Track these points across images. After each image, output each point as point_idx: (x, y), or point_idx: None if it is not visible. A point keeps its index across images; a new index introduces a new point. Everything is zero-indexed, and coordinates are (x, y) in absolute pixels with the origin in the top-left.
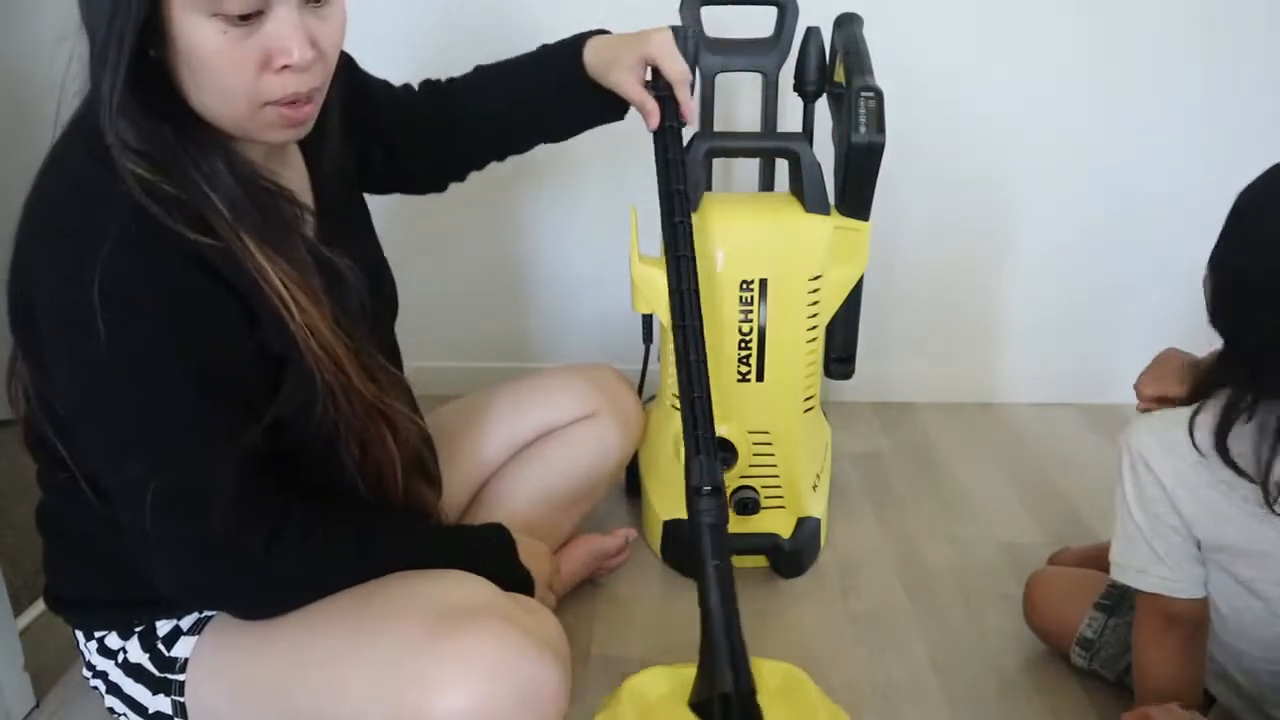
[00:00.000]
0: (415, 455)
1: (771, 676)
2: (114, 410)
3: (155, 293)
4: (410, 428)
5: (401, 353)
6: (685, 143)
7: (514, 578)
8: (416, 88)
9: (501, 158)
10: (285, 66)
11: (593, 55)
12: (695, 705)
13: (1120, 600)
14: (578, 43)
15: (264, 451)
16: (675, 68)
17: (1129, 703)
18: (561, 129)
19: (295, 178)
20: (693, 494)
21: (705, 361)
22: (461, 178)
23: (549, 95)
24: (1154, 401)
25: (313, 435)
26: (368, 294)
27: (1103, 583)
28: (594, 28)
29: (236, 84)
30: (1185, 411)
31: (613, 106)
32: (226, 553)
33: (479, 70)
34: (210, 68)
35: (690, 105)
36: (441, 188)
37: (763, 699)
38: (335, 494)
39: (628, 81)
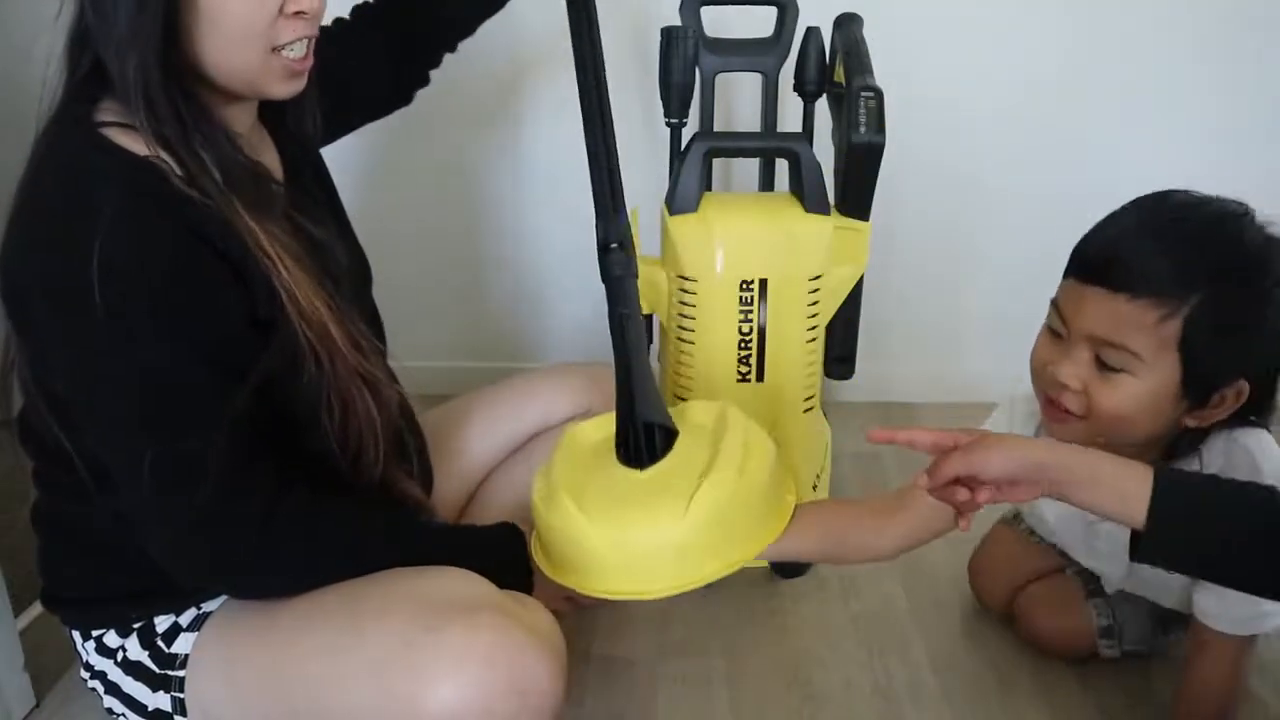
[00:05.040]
0: (395, 429)
1: (704, 414)
2: (112, 381)
3: (152, 264)
4: (391, 395)
5: (386, 333)
6: (686, 143)
7: (519, 577)
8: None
9: (453, 48)
10: (298, 13)
11: None
12: (616, 444)
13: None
14: None
15: (258, 423)
16: None
17: (1129, 703)
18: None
19: (269, 156)
20: (601, 251)
21: (611, 121)
22: (426, 81)
23: None
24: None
25: (300, 401)
26: (344, 260)
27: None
28: None
29: (256, 27)
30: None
31: None
32: (223, 520)
33: None
34: (235, 13)
35: None
36: (408, 100)
37: (692, 433)
38: (322, 474)
39: None
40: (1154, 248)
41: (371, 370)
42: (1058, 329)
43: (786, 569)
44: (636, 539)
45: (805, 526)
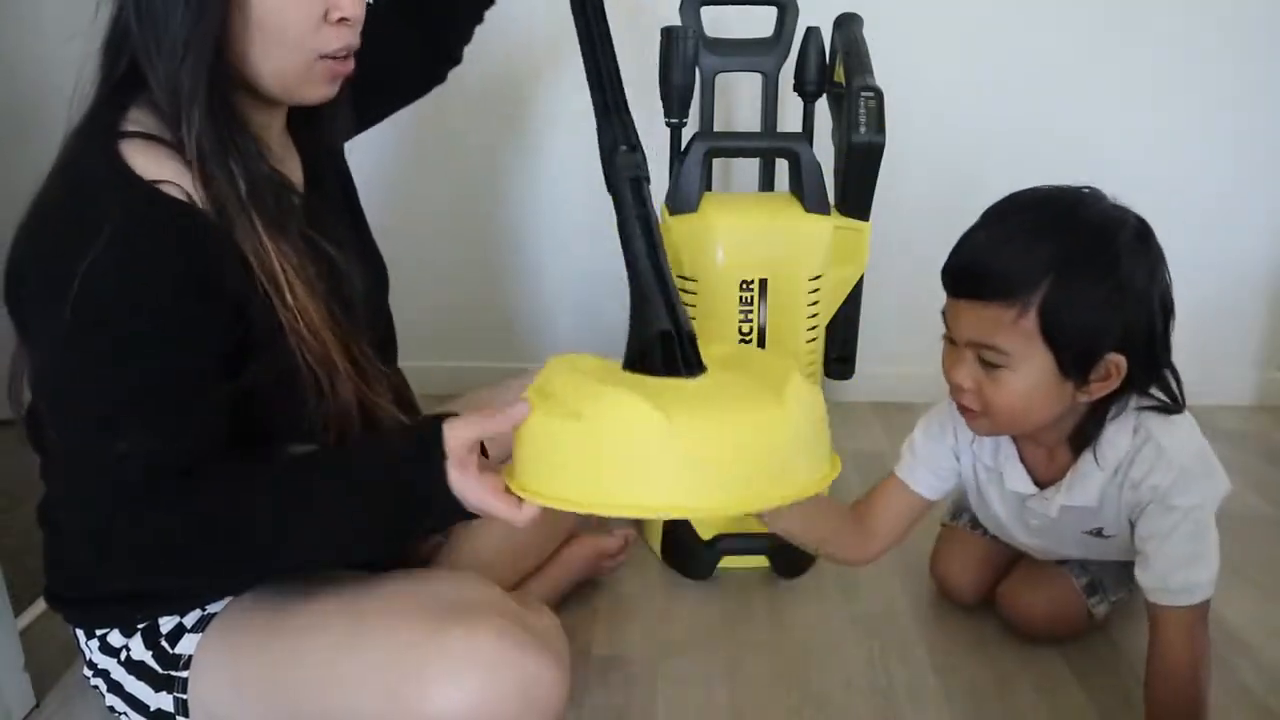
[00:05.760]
0: None
1: (718, 350)
2: (86, 388)
3: (142, 290)
4: (391, 425)
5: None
6: (686, 143)
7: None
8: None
9: (481, 19)
10: (342, 19)
11: None
12: (631, 363)
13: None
14: None
15: (232, 432)
16: None
17: (1129, 703)
18: None
19: (292, 162)
20: (609, 155)
21: (609, 33)
22: (457, 59)
23: None
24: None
25: (295, 423)
26: (359, 281)
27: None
28: None
29: (302, 35)
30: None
31: None
32: (160, 525)
33: None
34: (282, 21)
35: None
36: (442, 79)
37: (710, 367)
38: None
39: None
40: (997, 253)
41: (373, 398)
42: (950, 336)
43: (787, 569)
44: (735, 438)
45: (818, 511)
